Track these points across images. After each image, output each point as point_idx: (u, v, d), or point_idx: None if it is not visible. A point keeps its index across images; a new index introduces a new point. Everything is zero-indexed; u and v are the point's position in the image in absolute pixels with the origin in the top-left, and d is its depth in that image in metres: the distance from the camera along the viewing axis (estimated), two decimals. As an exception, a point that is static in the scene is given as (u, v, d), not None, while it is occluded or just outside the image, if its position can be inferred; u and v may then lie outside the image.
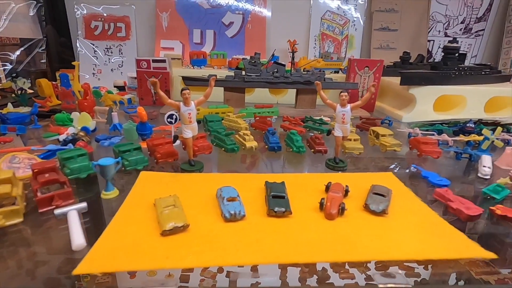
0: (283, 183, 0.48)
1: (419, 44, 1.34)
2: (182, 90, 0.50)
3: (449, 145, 0.73)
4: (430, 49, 1.42)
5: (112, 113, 0.74)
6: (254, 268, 0.33)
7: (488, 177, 0.57)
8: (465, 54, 1.03)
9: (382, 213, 0.43)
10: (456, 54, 1.00)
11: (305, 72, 1.01)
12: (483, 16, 1.40)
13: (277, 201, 0.43)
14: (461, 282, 0.35)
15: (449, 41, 0.98)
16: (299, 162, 0.65)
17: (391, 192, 0.47)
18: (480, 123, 0.89)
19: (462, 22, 1.41)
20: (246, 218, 0.41)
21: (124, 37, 1.30)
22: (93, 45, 1.29)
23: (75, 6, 1.27)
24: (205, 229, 0.38)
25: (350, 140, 0.68)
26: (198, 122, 0.85)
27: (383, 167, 0.63)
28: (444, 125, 0.91)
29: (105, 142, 0.64)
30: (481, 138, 0.72)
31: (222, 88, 0.99)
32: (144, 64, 1.01)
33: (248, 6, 1.30)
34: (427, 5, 1.34)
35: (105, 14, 1.27)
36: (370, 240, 0.38)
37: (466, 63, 1.47)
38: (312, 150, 0.67)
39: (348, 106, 0.56)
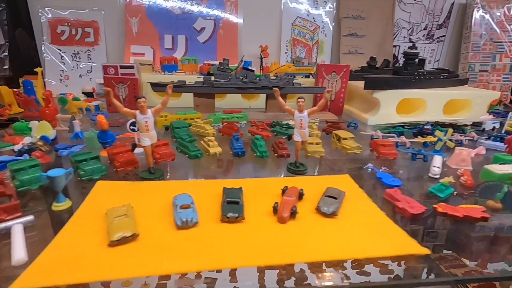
0: (240, 188, 0.49)
1: (385, 49, 1.40)
2: (137, 98, 0.50)
3: (406, 147, 0.77)
4: (396, 54, 1.48)
5: (74, 121, 0.72)
6: (233, 273, 0.34)
7: (437, 176, 0.61)
8: (424, 60, 1.09)
9: (332, 215, 0.44)
10: (416, 60, 1.05)
11: (274, 77, 1.03)
12: (444, 23, 1.48)
13: (231, 207, 0.43)
14: (432, 276, 0.37)
15: (409, 47, 1.03)
16: (263, 167, 0.66)
17: (343, 194, 0.49)
18: (437, 125, 0.94)
19: (424, 29, 1.49)
20: (199, 224, 0.41)
21: (92, 43, 1.27)
22: (60, 50, 1.25)
23: (40, 10, 1.23)
24: (156, 238, 0.38)
25: (312, 144, 0.70)
26: (166, 128, 0.86)
27: (345, 169, 0.65)
28: (405, 127, 0.96)
29: (64, 152, 0.62)
30: (436, 139, 0.76)
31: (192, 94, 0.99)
32: (112, 70, 0.99)
33: (219, 13, 1.31)
34: (391, 12, 1.40)
35: (72, 19, 1.24)
36: (318, 241, 0.39)
37: (430, 67, 1.55)
38: (276, 154, 0.69)
39: (305, 112, 0.58)
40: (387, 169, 0.64)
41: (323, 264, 0.36)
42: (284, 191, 0.49)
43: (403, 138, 0.78)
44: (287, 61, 1.40)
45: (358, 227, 0.42)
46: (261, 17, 1.36)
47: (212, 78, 0.98)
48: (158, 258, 0.35)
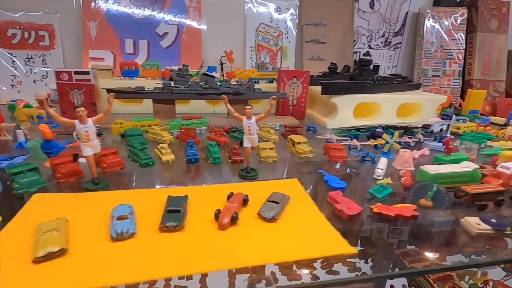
0: (185, 197, 0.49)
1: (346, 55, 1.46)
2: (75, 108, 0.49)
3: (358, 150, 0.81)
4: (357, 60, 1.55)
5: (17, 130, 0.69)
6: (203, 280, 0.34)
7: (380, 177, 0.64)
8: (379, 66, 1.15)
9: (273, 219, 0.46)
10: (371, 66, 1.10)
11: (235, 83, 1.04)
12: (399, 31, 1.57)
13: (171, 215, 0.43)
14: (397, 269, 0.42)
15: (363, 54, 1.09)
16: (217, 173, 0.66)
17: (287, 198, 0.51)
18: (389, 128, 0.99)
19: (382, 36, 1.57)
20: (137, 235, 0.41)
21: (48, 47, 1.22)
22: (11, 54, 1.19)
23: (-12, 12, 1.16)
24: (87, 252, 0.37)
25: (265, 149, 0.71)
26: (122, 136, 0.84)
27: (297, 173, 0.67)
28: (361, 130, 1.01)
29: (2, 164, 0.59)
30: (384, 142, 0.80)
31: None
32: (65, 76, 0.96)
33: (182, 18, 1.30)
34: (351, 20, 1.46)
35: (24, 22, 1.18)
36: (254, 247, 0.40)
37: (388, 72, 1.63)
38: (230, 160, 0.69)
39: (253, 119, 0.59)
40: (337, 171, 0.66)
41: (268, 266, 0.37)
42: (229, 197, 0.50)
43: (354, 141, 0.82)
44: (252, 66, 1.42)
45: (296, 231, 0.44)
46: (225, 22, 1.37)
47: (172, 83, 0.97)
48: (86, 272, 0.34)
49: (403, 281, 1.53)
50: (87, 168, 0.53)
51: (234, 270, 0.36)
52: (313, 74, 1.27)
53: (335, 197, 0.52)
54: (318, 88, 1.21)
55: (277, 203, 0.48)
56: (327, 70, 1.31)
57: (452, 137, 0.98)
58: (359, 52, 1.56)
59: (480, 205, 0.52)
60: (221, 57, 1.02)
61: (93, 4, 1.21)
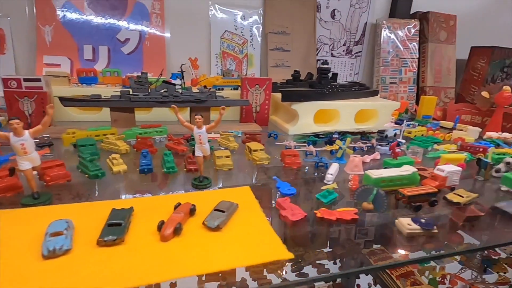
0: (131, 208, 0.49)
1: (309, 63, 1.50)
2: (9, 120, 0.47)
3: (313, 155, 0.84)
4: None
5: (-47, 142, 0.64)
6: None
7: (330, 182, 0.67)
8: (337, 74, 1.20)
9: (217, 228, 0.46)
10: (329, 74, 1.15)
11: (197, 91, 1.04)
12: (359, 40, 1.65)
13: (111, 229, 0.43)
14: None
15: (322, 63, 1.13)
16: (170, 183, 0.66)
17: (235, 206, 0.52)
18: (346, 133, 1.04)
19: (344, 45, 1.64)
20: (72, 251, 0.40)
21: (-3, 52, 1.15)
22: (-45, 60, 1.11)
23: None
24: (14, 272, 0.36)
25: (221, 157, 0.72)
26: (75, 146, 0.81)
27: (254, 180, 0.69)
28: (320, 136, 1.04)
29: None
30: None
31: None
32: (14, 84, 0.91)
33: (144, 24, 1.28)
34: (313, 29, 1.52)
35: (-31, 25, 1.11)
36: (197, 256, 0.40)
37: (350, 79, 1.71)
38: (185, 169, 0.69)
39: (204, 128, 0.59)
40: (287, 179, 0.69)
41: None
42: (176, 208, 0.50)
43: (310, 147, 0.85)
44: (217, 73, 1.43)
45: (238, 239, 0.45)
46: (189, 29, 1.37)
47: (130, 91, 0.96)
48: (10, 294, 0.33)
49: (369, 279, 1.59)
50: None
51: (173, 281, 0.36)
52: (277, 82, 1.30)
53: (282, 203, 0.54)
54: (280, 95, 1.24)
55: (223, 211, 0.49)
56: (291, 78, 1.35)
57: (403, 141, 1.05)
58: (322, 59, 1.62)
59: (415, 206, 0.57)
60: (181, 64, 1.01)
61: (47, 8, 1.16)
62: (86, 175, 0.62)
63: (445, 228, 0.53)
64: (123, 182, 0.64)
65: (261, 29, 1.45)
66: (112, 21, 1.24)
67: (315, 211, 0.53)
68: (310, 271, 0.42)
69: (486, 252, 1.68)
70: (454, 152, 0.94)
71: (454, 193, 0.62)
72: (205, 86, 1.27)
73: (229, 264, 0.39)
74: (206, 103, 1.02)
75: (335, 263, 0.44)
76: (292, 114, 1.13)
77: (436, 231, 0.49)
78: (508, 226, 0.55)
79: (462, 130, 1.22)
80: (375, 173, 0.62)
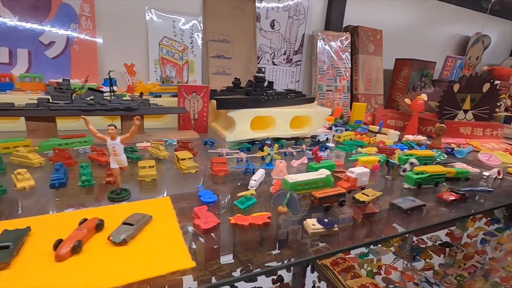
0: (27, 229, 0.45)
1: (250, 71, 1.54)
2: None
3: (243, 162, 0.86)
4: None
5: None
6: None
7: (253, 188, 0.69)
8: (273, 82, 1.26)
9: (123, 242, 0.45)
10: (265, 82, 1.20)
11: (128, 98, 1.00)
12: (299, 49, 1.75)
13: (-4, 253, 0.39)
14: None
15: (257, 72, 1.17)
16: (87, 197, 0.62)
17: (148, 218, 0.51)
18: (279, 139, 1.09)
19: (284, 54, 1.72)
20: None
21: None
22: None
23: None
24: None
25: (145, 167, 0.70)
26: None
27: (180, 189, 0.68)
28: (257, 142, 1.08)
29: None
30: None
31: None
32: None
33: (72, 28, 1.20)
34: (253, 38, 1.57)
35: None
36: (94, 274, 0.39)
37: (291, 87, 1.79)
38: (104, 181, 0.66)
39: (118, 139, 0.58)
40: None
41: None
42: (80, 224, 0.47)
43: (241, 154, 0.87)
44: (157, 79, 1.39)
45: (144, 252, 0.44)
46: (124, 34, 1.32)
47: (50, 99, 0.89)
48: None
49: (314, 277, 1.66)
50: None
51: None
52: (217, 89, 1.31)
53: (198, 212, 0.55)
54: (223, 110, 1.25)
55: (132, 225, 0.48)
56: (231, 85, 1.37)
57: (332, 145, 1.13)
58: (264, 68, 1.67)
59: (325, 207, 0.61)
60: (109, 71, 0.97)
61: (-50, 5, 1.03)
62: (-17, 194, 0.56)
63: (347, 225, 0.58)
64: (30, 199, 0.59)
65: (201, 36, 1.46)
66: (33, 22, 1.14)
67: (230, 218, 0.54)
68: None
69: (415, 241, 1.88)
70: (374, 154, 1.04)
71: (361, 193, 0.69)
72: (141, 93, 1.23)
73: (126, 278, 0.39)
74: (138, 111, 0.99)
75: (243, 270, 0.46)
76: (230, 121, 1.15)
77: (337, 229, 0.54)
78: (401, 219, 0.62)
79: (385, 134, 1.36)
80: (292, 178, 0.66)
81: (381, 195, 0.71)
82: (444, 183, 0.83)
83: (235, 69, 1.52)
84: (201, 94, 1.16)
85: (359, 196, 0.67)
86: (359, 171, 0.72)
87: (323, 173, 0.70)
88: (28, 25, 1.14)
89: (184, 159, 0.77)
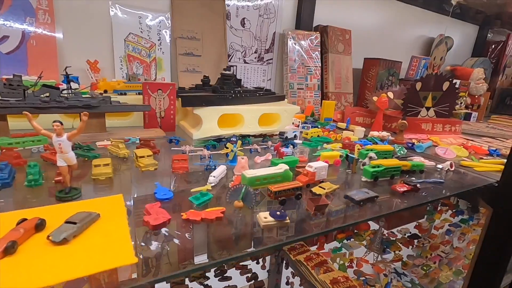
0: (-44, 230, 0.43)
1: (221, 69, 1.53)
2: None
3: (206, 159, 0.86)
4: (234, 73, 1.65)
5: None
6: None
7: (213, 184, 0.69)
8: (241, 80, 1.26)
9: (64, 241, 0.43)
10: (233, 80, 1.20)
11: (88, 96, 0.97)
12: (270, 48, 1.76)
13: None
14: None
15: (224, 69, 1.17)
16: (34, 197, 0.59)
17: (94, 217, 0.50)
18: (245, 137, 1.09)
19: (255, 52, 1.72)
20: None
21: None
22: None
23: None
24: None
25: (99, 165, 0.68)
26: None
27: (138, 186, 0.67)
28: (223, 140, 1.07)
29: None
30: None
31: (-30, 115, 0.82)
32: None
33: (28, 21, 1.14)
34: (223, 36, 1.56)
35: None
36: (27, 274, 0.37)
37: (264, 85, 1.80)
38: (53, 181, 0.64)
39: (64, 136, 0.56)
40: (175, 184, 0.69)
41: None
42: (18, 224, 0.45)
43: (204, 151, 0.87)
44: (123, 77, 1.35)
45: (86, 250, 0.43)
46: (86, 29, 1.27)
47: (1, 96, 0.84)
48: None
49: (288, 273, 1.68)
50: None
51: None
52: (185, 87, 1.30)
53: (149, 209, 0.54)
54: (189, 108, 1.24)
55: (75, 223, 0.46)
56: (201, 83, 1.36)
57: (300, 141, 1.15)
58: (235, 66, 1.67)
59: (280, 200, 0.62)
60: (66, 67, 0.93)
61: None
62: None
63: (300, 217, 0.59)
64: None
65: (169, 33, 1.43)
66: (-17, 15, 1.07)
67: (182, 214, 0.54)
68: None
69: (386, 235, 1.95)
70: (338, 150, 1.07)
71: (319, 186, 0.70)
72: (105, 91, 1.19)
73: (62, 276, 0.37)
74: (98, 109, 0.96)
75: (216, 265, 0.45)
76: (197, 118, 1.14)
77: (288, 221, 0.55)
78: (354, 211, 0.64)
79: (351, 131, 1.40)
80: (250, 173, 0.67)
81: (338, 188, 0.73)
82: (399, 176, 0.86)
83: (205, 67, 1.51)
84: (167, 92, 1.14)
85: (315, 189, 0.69)
86: (317, 165, 0.74)
87: (282, 167, 0.71)
88: (-22, 18, 1.07)
89: (143, 156, 0.75)
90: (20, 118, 0.95)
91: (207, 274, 1.26)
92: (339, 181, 0.82)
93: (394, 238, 1.89)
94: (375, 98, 1.58)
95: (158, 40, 1.41)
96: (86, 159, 0.78)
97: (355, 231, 1.87)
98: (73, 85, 1.08)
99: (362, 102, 2.00)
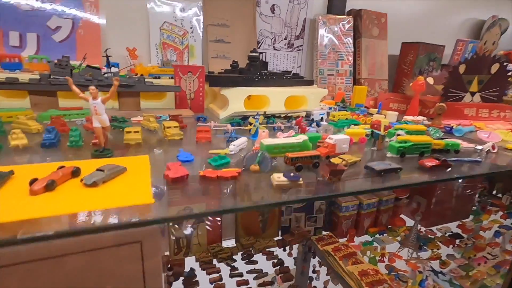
0: (10, 171, 0.50)
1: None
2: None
3: (229, 133, 0.88)
4: (264, 60, 1.67)
5: None
6: None
7: (233, 152, 0.72)
8: (267, 62, 1.27)
9: (93, 184, 0.49)
10: (259, 62, 1.21)
11: (126, 76, 1.05)
12: (300, 34, 1.75)
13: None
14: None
15: (251, 51, 1.19)
16: (74, 155, 0.67)
17: (121, 169, 0.54)
18: (271, 116, 1.11)
19: (285, 39, 1.72)
20: None
21: None
22: None
23: None
24: None
25: (130, 132, 0.74)
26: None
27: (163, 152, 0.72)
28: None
29: None
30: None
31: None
32: None
33: (77, 12, 1.27)
34: (253, 23, 1.58)
35: None
36: (62, 203, 0.43)
37: (294, 72, 1.79)
38: (91, 143, 0.71)
39: (99, 99, 0.62)
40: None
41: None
42: (58, 169, 0.52)
43: (228, 126, 0.90)
44: (158, 63, 1.44)
45: (112, 191, 0.48)
46: (126, 19, 1.37)
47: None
48: None
49: (315, 262, 1.67)
50: None
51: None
52: (214, 71, 1.34)
53: (170, 166, 0.58)
54: (217, 88, 1.28)
55: (103, 171, 0.52)
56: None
57: (325, 123, 1.13)
58: (265, 53, 1.69)
59: (297, 166, 0.63)
60: (106, 49, 1.02)
61: (-33, -8, 1.12)
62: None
63: (313, 181, 0.59)
64: (21, 155, 0.64)
65: (201, 21, 1.49)
66: (41, 7, 1.22)
67: (199, 171, 0.57)
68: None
69: (423, 232, 1.83)
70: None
71: (338, 157, 0.69)
72: (141, 75, 1.29)
73: (89, 207, 0.42)
74: (134, 88, 1.03)
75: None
76: (224, 99, 1.18)
77: (301, 182, 0.55)
78: (371, 179, 0.62)
79: (384, 115, 1.34)
80: (268, 141, 0.68)
81: (358, 160, 0.71)
82: (430, 154, 0.81)
83: (234, 54, 1.54)
84: (197, 74, 1.20)
85: (334, 160, 0.68)
86: (338, 137, 0.73)
87: (301, 138, 0.71)
88: (37, 11, 1.21)
89: (170, 127, 0.80)
90: (67, 97, 1.07)
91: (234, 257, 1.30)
92: (362, 158, 0.80)
93: (433, 236, 1.77)
94: (412, 84, 1.49)
95: (191, 28, 1.48)
96: (121, 129, 0.85)
97: (389, 226, 1.79)
98: (114, 70, 1.18)
99: (398, 90, 1.90)
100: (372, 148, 0.86)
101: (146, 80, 1.07)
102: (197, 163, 0.65)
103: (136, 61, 1.37)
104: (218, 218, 1.04)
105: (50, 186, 0.46)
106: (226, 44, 1.53)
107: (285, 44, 1.73)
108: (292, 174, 0.55)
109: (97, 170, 0.52)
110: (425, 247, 1.76)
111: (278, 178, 0.55)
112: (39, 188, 0.45)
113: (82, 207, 0.42)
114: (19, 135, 0.66)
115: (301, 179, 0.56)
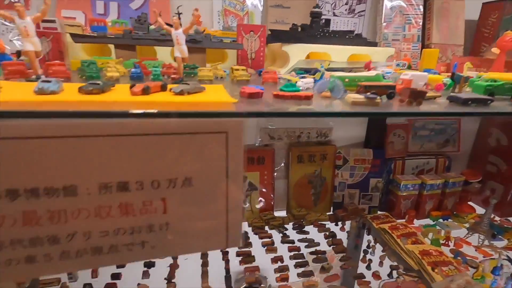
0: (114, 83, 0.58)
1: (309, 20, 1.53)
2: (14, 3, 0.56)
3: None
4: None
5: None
6: None
7: (300, 88, 0.72)
8: (330, 20, 1.23)
9: (180, 93, 0.54)
10: (322, 19, 1.18)
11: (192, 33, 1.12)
12: (363, -2, 1.65)
13: (91, 84, 0.52)
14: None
15: (314, 7, 1.17)
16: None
17: (201, 87, 0.59)
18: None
19: (346, 4, 1.65)
20: (59, 94, 0.49)
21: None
22: (-12, 14, 1.27)
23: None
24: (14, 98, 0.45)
25: (203, 69, 0.79)
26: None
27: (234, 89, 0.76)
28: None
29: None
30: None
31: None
32: (33, 24, 1.03)
33: (151, -19, 1.38)
34: (313, -14, 1.54)
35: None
36: (157, 103, 0.48)
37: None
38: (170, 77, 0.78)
39: (180, 29, 0.67)
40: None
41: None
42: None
43: (293, 74, 0.91)
44: (219, 29, 1.50)
45: (195, 97, 0.52)
46: (191, -14, 1.45)
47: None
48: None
49: (369, 238, 1.61)
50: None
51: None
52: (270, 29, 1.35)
53: (245, 88, 0.60)
54: (276, 44, 1.29)
55: (188, 84, 0.56)
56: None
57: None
58: (324, 19, 1.63)
59: (389, 93, 0.60)
60: (178, 6, 1.09)
61: (64, -34, 1.29)
62: (84, 77, 0.72)
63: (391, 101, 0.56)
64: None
65: (261, -14, 1.50)
66: (121, -21, 1.35)
67: (274, 92, 0.59)
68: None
69: (498, 221, 1.63)
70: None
71: (416, 90, 0.65)
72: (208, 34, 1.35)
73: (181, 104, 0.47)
74: (201, 44, 1.09)
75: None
76: (284, 57, 1.18)
77: (379, 100, 0.53)
78: (453, 105, 0.57)
79: (459, 76, 1.20)
80: (340, 73, 0.67)
81: (439, 96, 0.66)
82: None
83: (293, 19, 1.52)
84: (258, 33, 1.22)
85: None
86: (414, 73, 0.68)
87: (373, 72, 0.68)
88: (117, -18, 1.35)
89: (238, 69, 0.83)
90: (143, 51, 1.17)
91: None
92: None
93: (510, 226, 1.57)
94: (494, 50, 1.32)
95: (251, -6, 1.50)
96: (192, 75, 0.91)
97: (454, 212, 1.64)
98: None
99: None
100: (452, 93, 0.78)
101: (210, 35, 1.12)
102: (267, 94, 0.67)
103: (199, 27, 1.45)
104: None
105: (146, 90, 0.52)
106: (285, 9, 1.52)
107: (345, 10, 1.65)
108: (368, 94, 0.54)
109: (182, 83, 0.57)
110: (500, 236, 1.57)
111: (354, 96, 0.54)
112: (138, 91, 0.51)
113: (174, 105, 0.47)
114: (112, 68, 0.76)
115: (378, 97, 0.54)
